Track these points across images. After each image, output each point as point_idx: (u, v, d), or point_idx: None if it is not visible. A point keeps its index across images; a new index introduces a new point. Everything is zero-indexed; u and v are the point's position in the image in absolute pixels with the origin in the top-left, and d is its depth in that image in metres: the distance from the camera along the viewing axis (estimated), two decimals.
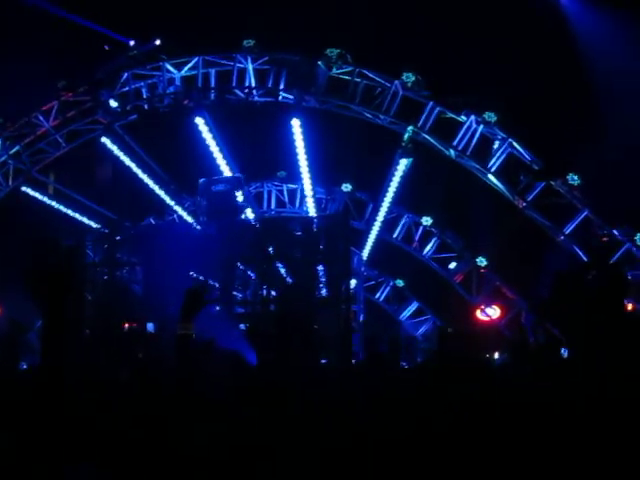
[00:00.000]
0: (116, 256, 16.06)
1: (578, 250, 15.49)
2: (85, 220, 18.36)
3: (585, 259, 15.24)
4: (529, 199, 15.71)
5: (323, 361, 14.13)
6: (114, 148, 16.86)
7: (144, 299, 15.60)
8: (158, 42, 17.88)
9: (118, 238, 16.16)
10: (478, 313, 17.97)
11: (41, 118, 17.90)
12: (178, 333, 4.48)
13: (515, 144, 15.82)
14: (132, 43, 18.16)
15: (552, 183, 15.59)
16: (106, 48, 18.39)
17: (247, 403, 4.09)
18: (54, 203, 18.33)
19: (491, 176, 15.95)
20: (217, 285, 15.49)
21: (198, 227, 16.99)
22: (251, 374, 4.61)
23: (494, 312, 17.80)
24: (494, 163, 15.91)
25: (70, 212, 18.37)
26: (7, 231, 16.88)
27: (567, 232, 15.61)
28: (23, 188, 18.14)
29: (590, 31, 15.32)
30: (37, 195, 18.19)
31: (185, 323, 4.52)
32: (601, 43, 14.91)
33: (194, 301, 4.60)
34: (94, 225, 17.95)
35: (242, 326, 13.77)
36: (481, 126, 15.81)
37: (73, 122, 17.93)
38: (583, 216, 15.54)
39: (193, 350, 4.48)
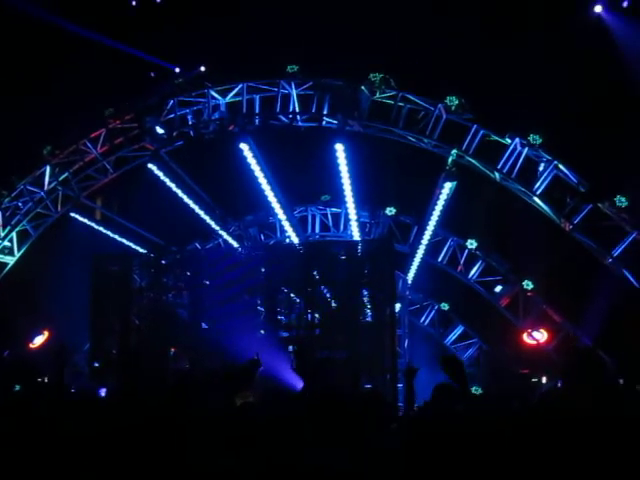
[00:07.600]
0: (162, 280, 16.20)
1: (627, 273, 15.20)
2: (132, 245, 18.60)
3: (635, 283, 14.96)
4: (576, 222, 15.45)
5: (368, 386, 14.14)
6: (160, 174, 17.09)
7: (190, 324, 15.70)
8: (203, 69, 18.19)
9: (164, 262, 16.31)
10: (525, 337, 17.72)
11: (89, 145, 18.23)
12: (240, 402, 4.50)
13: (561, 166, 15.61)
14: (177, 70, 18.50)
15: (599, 205, 15.35)
16: (152, 75, 18.73)
17: None
18: (102, 228, 18.62)
19: (537, 199, 15.76)
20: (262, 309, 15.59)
21: (243, 251, 17.09)
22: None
23: (541, 336, 17.53)
24: (540, 185, 15.71)
25: (117, 237, 18.64)
26: (57, 257, 17.20)
27: (615, 255, 15.29)
28: (72, 214, 18.44)
29: (636, 47, 15.04)
30: (85, 220, 18.49)
31: (244, 392, 4.58)
32: None
33: (246, 376, 4.64)
34: (141, 250, 18.15)
35: (290, 348, 13.80)
36: (526, 148, 15.66)
37: (120, 149, 18.22)
38: (631, 238, 15.25)
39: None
